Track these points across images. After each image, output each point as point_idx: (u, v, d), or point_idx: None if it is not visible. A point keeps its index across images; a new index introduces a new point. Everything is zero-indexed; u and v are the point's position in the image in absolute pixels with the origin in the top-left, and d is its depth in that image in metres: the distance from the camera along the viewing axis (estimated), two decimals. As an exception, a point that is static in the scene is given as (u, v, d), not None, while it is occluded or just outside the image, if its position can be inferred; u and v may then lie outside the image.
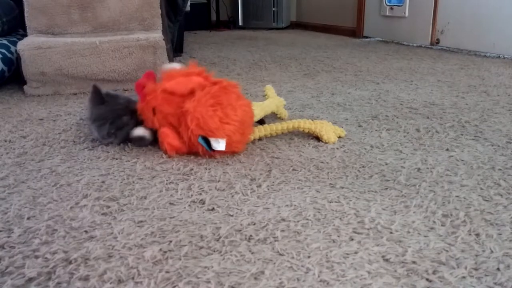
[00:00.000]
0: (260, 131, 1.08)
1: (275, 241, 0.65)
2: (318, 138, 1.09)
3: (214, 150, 0.94)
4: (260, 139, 1.10)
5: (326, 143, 1.07)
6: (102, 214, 0.74)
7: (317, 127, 1.09)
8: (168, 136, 0.98)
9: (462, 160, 0.96)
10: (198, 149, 0.96)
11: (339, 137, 1.11)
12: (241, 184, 0.85)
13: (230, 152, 0.98)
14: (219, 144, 0.93)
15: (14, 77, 1.78)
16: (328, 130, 1.09)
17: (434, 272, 0.58)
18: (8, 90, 1.73)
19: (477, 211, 0.74)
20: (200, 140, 0.93)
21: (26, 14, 1.77)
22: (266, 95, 1.28)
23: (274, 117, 1.27)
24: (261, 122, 1.18)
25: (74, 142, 1.11)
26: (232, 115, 0.95)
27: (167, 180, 0.87)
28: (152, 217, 0.73)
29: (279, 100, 1.25)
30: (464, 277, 0.57)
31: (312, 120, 1.11)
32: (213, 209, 0.76)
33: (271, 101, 1.23)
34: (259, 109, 1.12)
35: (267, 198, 0.79)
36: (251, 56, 2.53)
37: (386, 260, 0.60)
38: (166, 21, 1.94)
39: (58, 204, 0.78)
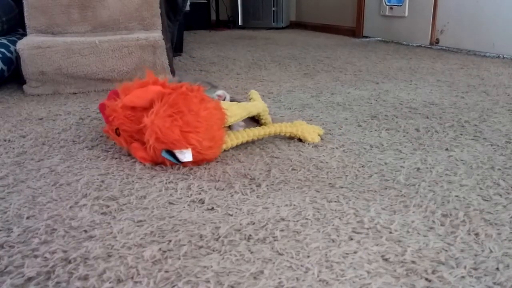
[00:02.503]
0: (238, 137, 1.02)
1: (275, 240, 0.65)
2: (300, 140, 1.08)
3: (182, 163, 0.90)
4: (237, 145, 1.04)
5: (310, 143, 1.06)
6: (102, 213, 0.74)
7: (298, 129, 1.07)
8: (139, 150, 0.93)
9: (462, 160, 0.96)
10: (166, 163, 0.92)
11: (319, 135, 1.10)
12: (240, 183, 0.85)
13: (202, 161, 0.94)
14: (185, 155, 0.88)
15: (14, 76, 1.78)
16: (309, 131, 1.08)
17: (433, 272, 0.58)
18: (8, 89, 1.73)
19: (476, 210, 0.74)
20: (164, 154, 0.89)
21: (25, 14, 1.77)
22: (251, 99, 1.22)
23: (256, 122, 1.23)
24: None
25: (74, 141, 1.11)
26: (194, 122, 0.88)
27: (166, 180, 0.87)
28: (151, 216, 0.73)
29: (264, 105, 1.19)
30: (463, 277, 0.57)
31: (291, 122, 1.09)
32: (212, 208, 0.75)
33: (256, 103, 1.17)
34: (241, 109, 1.07)
35: (267, 198, 0.79)
36: (251, 56, 2.53)
37: (386, 260, 0.60)
38: (165, 21, 1.94)
39: (58, 204, 0.78)
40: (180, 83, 0.95)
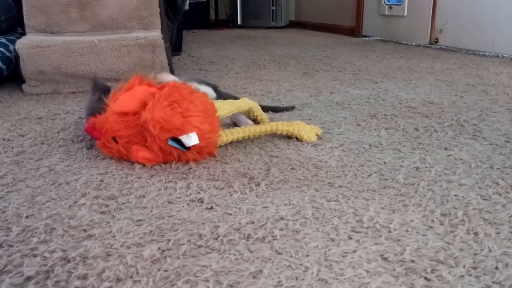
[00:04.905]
0: (233, 134, 1.03)
1: (274, 240, 0.65)
2: (298, 139, 1.08)
3: (189, 148, 0.90)
4: (233, 141, 1.05)
5: (307, 142, 1.06)
6: (101, 212, 0.74)
7: (295, 128, 1.08)
8: (139, 151, 0.93)
9: (461, 159, 0.96)
10: (174, 156, 0.92)
11: (317, 135, 1.10)
12: (239, 183, 0.85)
13: (206, 147, 0.94)
14: (191, 139, 0.88)
15: (13, 75, 1.78)
16: (306, 130, 1.08)
17: (432, 271, 0.58)
18: (7, 88, 1.73)
19: (475, 210, 0.74)
20: (171, 143, 0.89)
21: (24, 13, 1.76)
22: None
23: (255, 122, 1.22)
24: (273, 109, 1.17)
25: (73, 141, 1.11)
26: (192, 107, 0.91)
27: (165, 179, 0.87)
28: (150, 216, 0.73)
29: (255, 103, 1.19)
30: (462, 276, 0.57)
31: (288, 122, 1.10)
32: (211, 208, 0.75)
33: (246, 99, 1.18)
34: (229, 104, 1.08)
35: (266, 197, 0.79)
36: (250, 55, 2.53)
37: (385, 259, 0.60)
38: (165, 20, 1.94)
39: (57, 203, 0.78)
40: (166, 82, 0.96)
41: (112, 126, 0.93)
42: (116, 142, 0.94)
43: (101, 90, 1.10)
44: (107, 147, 0.96)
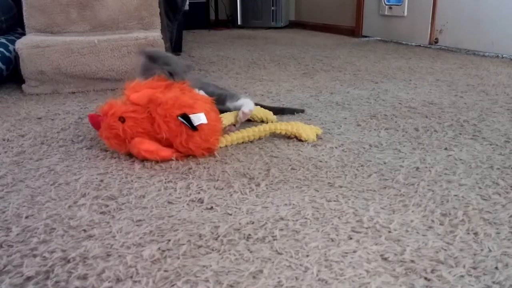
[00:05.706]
0: (232, 136, 1.05)
1: (274, 240, 0.65)
2: (297, 139, 1.08)
3: (197, 129, 0.92)
4: (232, 144, 1.06)
5: (305, 141, 1.07)
6: (101, 213, 0.74)
7: (293, 127, 1.08)
8: (142, 143, 0.94)
9: (461, 159, 0.96)
10: (181, 139, 0.92)
11: (317, 135, 1.10)
12: (239, 183, 0.85)
13: (212, 134, 0.96)
14: (200, 118, 0.92)
15: (13, 75, 1.78)
16: (306, 129, 1.08)
17: (432, 271, 0.58)
18: (7, 88, 1.73)
19: (475, 210, 0.74)
20: (181, 119, 0.91)
21: (24, 13, 1.76)
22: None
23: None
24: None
25: (73, 141, 1.11)
26: (200, 96, 0.99)
27: (165, 179, 0.87)
28: (150, 216, 0.73)
29: (262, 109, 1.22)
30: (462, 276, 0.57)
31: (287, 122, 1.10)
32: (211, 208, 0.75)
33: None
34: (228, 114, 1.11)
35: (266, 197, 0.79)
36: (250, 55, 2.53)
37: (385, 259, 0.60)
38: (165, 20, 1.94)
39: (57, 203, 0.78)
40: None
41: (120, 108, 0.95)
42: (123, 121, 0.94)
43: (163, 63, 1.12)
44: (112, 129, 0.95)
